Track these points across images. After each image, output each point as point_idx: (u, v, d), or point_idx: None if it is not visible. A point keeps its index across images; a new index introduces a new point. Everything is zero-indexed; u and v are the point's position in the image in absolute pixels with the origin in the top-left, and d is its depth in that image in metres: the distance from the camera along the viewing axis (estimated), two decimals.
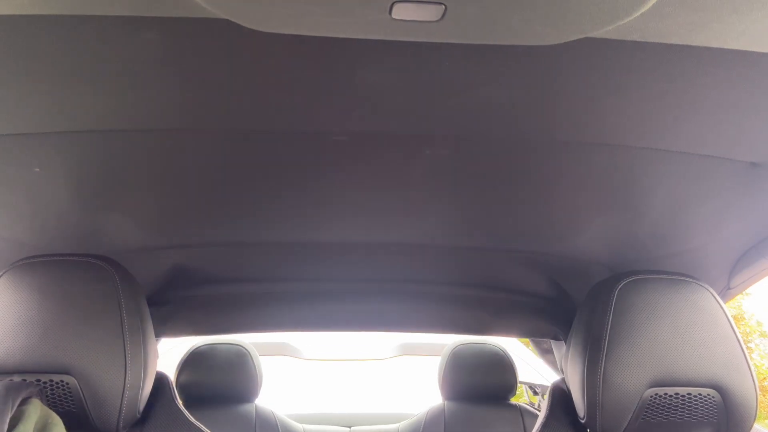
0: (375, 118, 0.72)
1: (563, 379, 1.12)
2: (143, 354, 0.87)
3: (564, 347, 1.55)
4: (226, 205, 0.98)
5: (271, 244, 1.17)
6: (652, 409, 0.88)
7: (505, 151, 0.80)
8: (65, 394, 0.80)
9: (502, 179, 0.89)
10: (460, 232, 1.11)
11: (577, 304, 1.38)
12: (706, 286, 0.92)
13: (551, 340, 1.70)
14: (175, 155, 0.82)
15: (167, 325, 1.39)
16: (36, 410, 0.70)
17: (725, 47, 0.56)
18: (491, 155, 0.81)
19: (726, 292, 1.17)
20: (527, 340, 2.11)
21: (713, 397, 0.87)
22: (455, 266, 1.35)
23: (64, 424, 0.74)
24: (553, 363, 1.80)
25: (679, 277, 0.93)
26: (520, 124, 0.74)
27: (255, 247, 1.19)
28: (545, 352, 1.85)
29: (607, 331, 0.90)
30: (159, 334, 1.40)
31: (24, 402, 0.70)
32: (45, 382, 0.79)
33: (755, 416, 0.88)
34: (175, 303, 1.40)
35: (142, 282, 1.25)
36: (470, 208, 1.00)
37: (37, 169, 0.81)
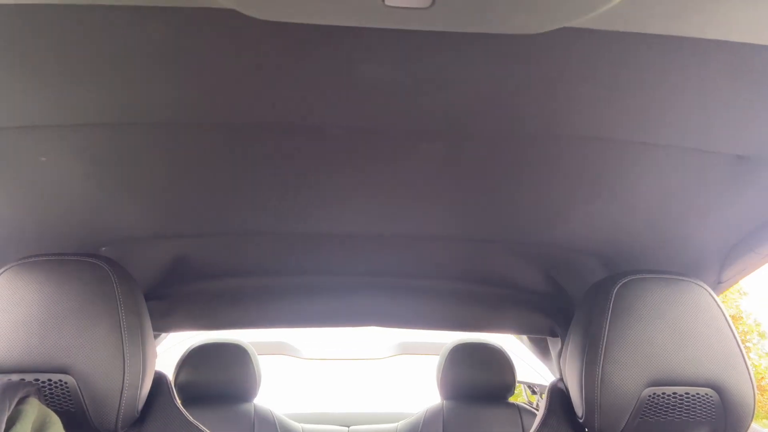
0: (371, 111, 0.73)
1: (561, 379, 1.12)
2: (142, 353, 0.87)
3: (560, 344, 1.56)
4: (226, 197, 0.99)
5: (270, 236, 1.18)
6: (650, 409, 0.88)
7: (497, 144, 0.81)
8: (64, 394, 0.80)
9: (496, 172, 0.89)
10: (456, 223, 1.12)
11: (573, 298, 1.39)
12: (704, 285, 0.93)
13: (547, 338, 1.70)
14: (176, 148, 0.82)
15: (168, 320, 1.40)
16: (34, 409, 0.70)
17: (708, 38, 0.57)
18: (485, 148, 0.82)
19: (717, 286, 1.17)
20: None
21: (711, 396, 0.87)
22: (452, 259, 1.35)
23: (63, 423, 0.74)
24: (551, 363, 1.80)
25: (677, 277, 0.93)
26: (510, 117, 0.74)
27: (255, 238, 1.20)
28: (543, 353, 1.85)
29: (605, 330, 0.90)
30: (160, 329, 1.41)
31: (22, 401, 0.70)
32: (43, 382, 0.79)
33: (753, 415, 0.89)
34: (176, 297, 1.41)
35: (143, 275, 1.26)
36: (466, 199, 1.00)
37: (44, 158, 0.81)
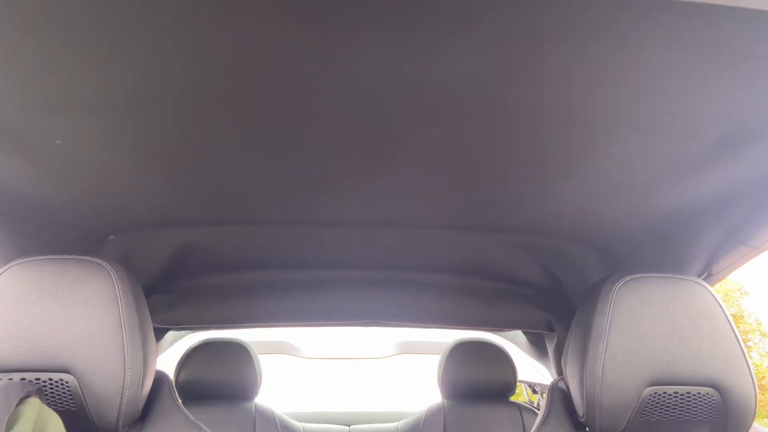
0: (370, 94, 0.74)
1: (562, 378, 1.12)
2: (142, 353, 0.87)
3: (556, 339, 1.57)
4: (233, 184, 1.01)
5: (273, 225, 1.19)
6: (651, 408, 0.88)
7: (485, 130, 0.82)
8: (64, 393, 0.80)
9: (487, 158, 0.90)
10: (454, 211, 1.13)
11: (570, 291, 1.40)
12: (706, 285, 0.93)
13: (544, 335, 1.71)
14: (184, 136, 0.84)
15: (173, 313, 1.42)
16: (34, 409, 0.70)
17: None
18: (475, 133, 0.83)
19: (708, 278, 1.18)
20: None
21: (712, 396, 0.87)
22: (450, 252, 1.37)
23: (64, 423, 0.74)
24: (549, 365, 1.80)
25: (678, 276, 0.93)
26: (495, 102, 0.75)
27: (260, 227, 1.21)
28: (541, 355, 1.85)
29: (606, 330, 0.90)
30: (165, 323, 1.43)
31: (22, 401, 0.70)
32: (44, 381, 0.80)
33: (754, 415, 0.88)
34: (181, 291, 1.43)
35: (150, 266, 1.29)
36: (462, 187, 1.02)
37: (59, 141, 0.82)
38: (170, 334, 1.96)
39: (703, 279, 1.16)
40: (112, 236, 1.15)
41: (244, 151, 0.88)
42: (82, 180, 0.94)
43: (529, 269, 1.41)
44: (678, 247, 1.13)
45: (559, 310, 1.51)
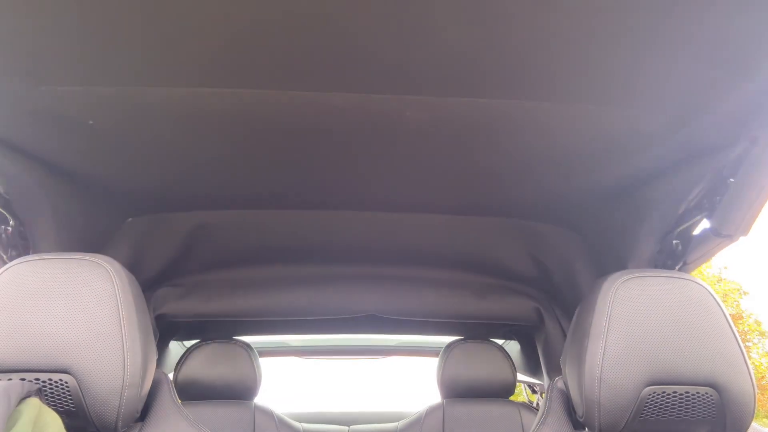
0: (366, 75, 0.76)
1: (561, 378, 1.12)
2: (142, 353, 0.88)
3: (545, 334, 1.59)
4: (243, 169, 1.04)
5: (276, 213, 1.24)
6: (650, 408, 0.88)
7: (468, 111, 0.84)
8: (64, 394, 0.80)
9: (470, 141, 0.93)
10: (444, 193, 1.17)
11: (555, 277, 1.42)
12: (704, 284, 0.93)
13: (534, 335, 1.73)
14: (199, 123, 0.87)
15: (181, 304, 1.46)
16: (34, 410, 0.70)
17: None
18: (460, 115, 0.85)
19: (683, 267, 1.19)
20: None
21: (711, 395, 0.87)
22: (442, 243, 1.42)
23: (64, 423, 0.74)
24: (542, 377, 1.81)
25: (677, 276, 0.93)
26: (483, 86, 0.77)
27: (266, 213, 1.25)
28: (534, 370, 1.86)
29: (605, 329, 0.90)
30: (173, 314, 1.47)
31: (22, 402, 0.70)
32: (44, 381, 0.80)
33: (753, 414, 0.89)
34: (190, 284, 1.47)
35: (162, 253, 1.31)
36: (451, 166, 1.04)
37: (91, 122, 0.83)
38: (174, 346, 1.98)
39: (679, 268, 1.17)
40: (130, 219, 1.17)
41: (253, 136, 0.90)
42: (110, 159, 0.96)
43: (517, 258, 1.44)
44: (650, 234, 1.16)
45: (547, 300, 1.55)
